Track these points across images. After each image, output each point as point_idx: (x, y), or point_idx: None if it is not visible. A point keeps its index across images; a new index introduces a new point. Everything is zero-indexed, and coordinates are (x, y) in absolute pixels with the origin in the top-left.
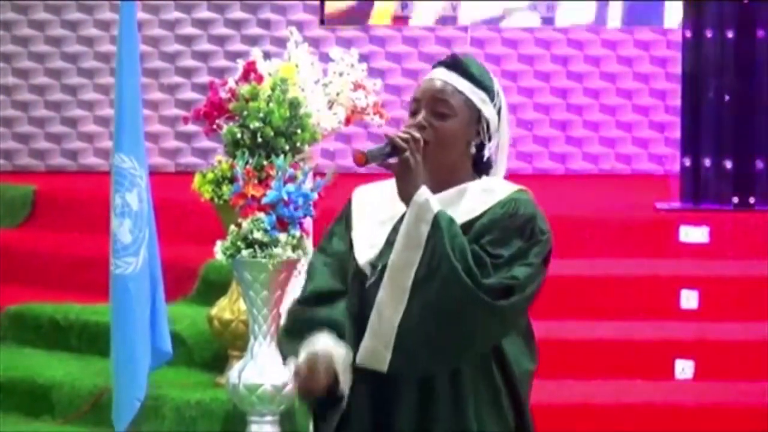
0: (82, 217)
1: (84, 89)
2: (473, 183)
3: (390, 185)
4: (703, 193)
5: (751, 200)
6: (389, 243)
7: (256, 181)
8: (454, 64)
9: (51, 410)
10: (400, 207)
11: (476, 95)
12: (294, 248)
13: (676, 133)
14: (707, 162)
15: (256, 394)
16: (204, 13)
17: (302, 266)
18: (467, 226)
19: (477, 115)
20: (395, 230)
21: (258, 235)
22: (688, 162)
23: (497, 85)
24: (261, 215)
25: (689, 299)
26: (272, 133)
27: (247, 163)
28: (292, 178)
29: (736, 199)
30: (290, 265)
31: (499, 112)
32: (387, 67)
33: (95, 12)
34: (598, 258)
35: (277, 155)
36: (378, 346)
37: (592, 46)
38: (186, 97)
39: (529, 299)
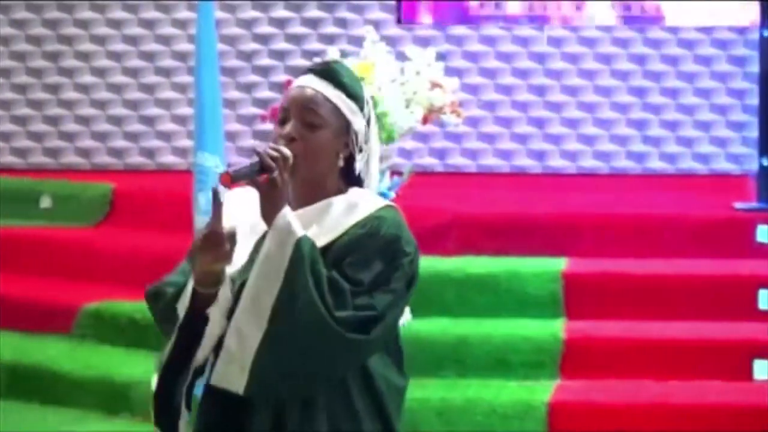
0: (160, 215)
1: (161, 88)
2: (338, 198)
3: (253, 193)
4: None
5: None
6: (251, 260)
7: None
8: (325, 71)
9: (130, 408)
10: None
11: (346, 105)
12: None
13: (754, 133)
14: None
15: None
16: (281, 12)
17: None
18: (328, 247)
19: (346, 126)
20: (257, 249)
21: None
22: (766, 161)
23: (367, 94)
24: None
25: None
26: None
27: None
28: None
29: None
30: None
31: (368, 123)
32: (464, 66)
33: (172, 11)
34: (675, 258)
35: None
36: (234, 369)
37: (669, 45)
38: (263, 96)
39: (392, 327)
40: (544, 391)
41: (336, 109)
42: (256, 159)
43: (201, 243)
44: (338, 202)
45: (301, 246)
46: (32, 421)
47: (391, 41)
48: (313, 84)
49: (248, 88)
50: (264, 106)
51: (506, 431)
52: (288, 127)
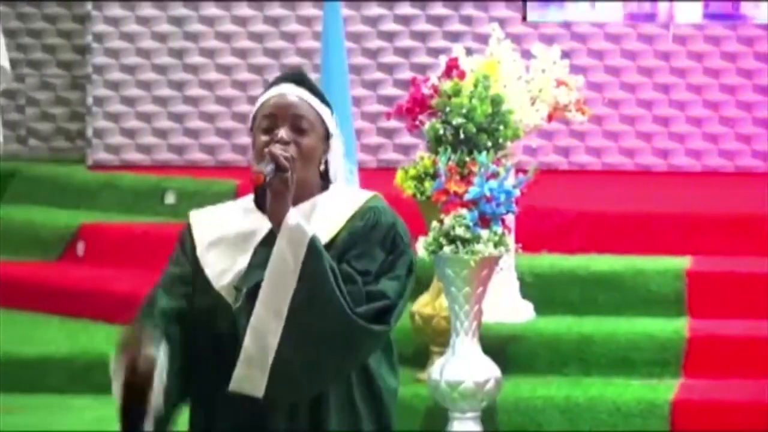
0: None
1: None
2: (321, 196)
3: (228, 208)
4: None
5: None
6: (253, 266)
7: (458, 178)
8: (301, 79)
9: None
10: (255, 229)
11: (323, 110)
12: (496, 245)
13: None
14: None
15: (457, 391)
16: (406, 10)
17: (504, 263)
18: (329, 243)
19: (326, 130)
20: (257, 253)
21: (460, 231)
22: None
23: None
24: (463, 211)
25: None
26: (474, 130)
27: (449, 159)
28: (495, 175)
29: None
30: (492, 262)
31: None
32: (589, 63)
33: (297, 8)
34: None
35: (480, 151)
36: (253, 371)
37: None
38: (388, 93)
39: (401, 314)
40: (667, 389)
41: (317, 115)
42: (267, 161)
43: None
44: (323, 200)
45: (315, 243)
46: None
47: (516, 39)
48: (294, 91)
49: (373, 85)
50: (389, 103)
51: (629, 430)
52: (281, 132)
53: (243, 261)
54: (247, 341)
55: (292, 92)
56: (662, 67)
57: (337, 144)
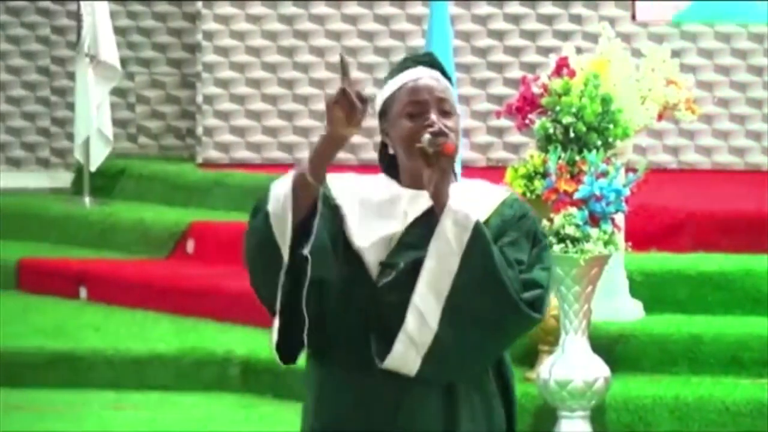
0: None
1: None
2: (456, 184)
3: (374, 181)
4: None
5: None
6: (405, 245)
7: (568, 176)
8: (434, 62)
9: None
10: (405, 207)
11: (455, 93)
12: (606, 244)
13: None
14: None
15: (566, 390)
16: (516, 8)
17: (613, 261)
18: None
19: (457, 113)
20: (409, 233)
21: (570, 230)
22: None
23: None
24: (573, 210)
25: None
26: (584, 129)
27: (559, 158)
28: (604, 174)
29: None
30: (602, 261)
31: None
32: (698, 63)
33: (407, 7)
34: None
35: (590, 150)
36: (410, 351)
37: None
38: (497, 92)
39: (548, 306)
40: None
41: (452, 97)
42: (428, 137)
43: (336, 98)
44: (459, 187)
45: (480, 227)
46: (265, 414)
47: (625, 38)
48: (432, 74)
49: (483, 84)
50: (498, 102)
51: (738, 430)
52: (433, 117)
53: (383, 228)
54: (409, 320)
55: (432, 75)
56: None
57: None
